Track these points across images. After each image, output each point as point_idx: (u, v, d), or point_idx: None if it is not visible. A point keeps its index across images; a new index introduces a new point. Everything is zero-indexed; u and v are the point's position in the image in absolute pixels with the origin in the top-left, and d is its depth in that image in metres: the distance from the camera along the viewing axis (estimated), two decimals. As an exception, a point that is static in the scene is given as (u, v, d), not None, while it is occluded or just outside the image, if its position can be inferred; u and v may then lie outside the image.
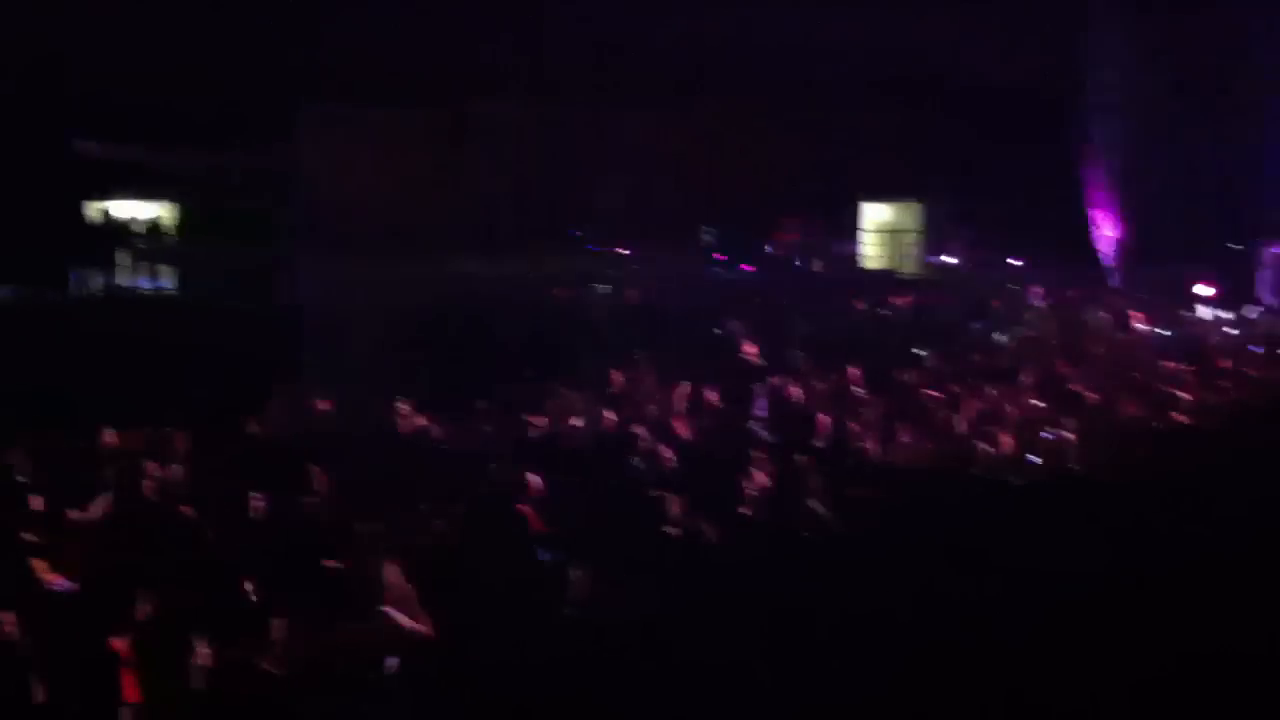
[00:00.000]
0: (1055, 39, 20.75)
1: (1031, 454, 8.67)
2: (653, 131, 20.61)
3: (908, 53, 20.29)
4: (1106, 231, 21.35)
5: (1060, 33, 20.82)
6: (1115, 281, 20.73)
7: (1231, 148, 20.22)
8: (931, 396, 10.78)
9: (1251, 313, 18.37)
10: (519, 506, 7.11)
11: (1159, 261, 20.08)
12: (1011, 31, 20.58)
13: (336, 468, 7.53)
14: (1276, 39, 19.56)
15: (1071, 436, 9.05)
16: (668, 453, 8.38)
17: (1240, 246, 20.56)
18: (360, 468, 7.84)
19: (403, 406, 9.59)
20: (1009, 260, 21.42)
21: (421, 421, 9.42)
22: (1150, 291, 19.06)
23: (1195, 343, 15.06)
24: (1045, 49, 20.78)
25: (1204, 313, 18.30)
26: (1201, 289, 19.43)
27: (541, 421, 9.43)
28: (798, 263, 22.13)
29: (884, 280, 21.06)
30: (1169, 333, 15.94)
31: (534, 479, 7.46)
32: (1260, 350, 14.24)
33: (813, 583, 5.81)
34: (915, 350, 13.62)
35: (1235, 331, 16.79)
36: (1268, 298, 19.57)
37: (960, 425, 9.62)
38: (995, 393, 10.88)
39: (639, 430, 8.95)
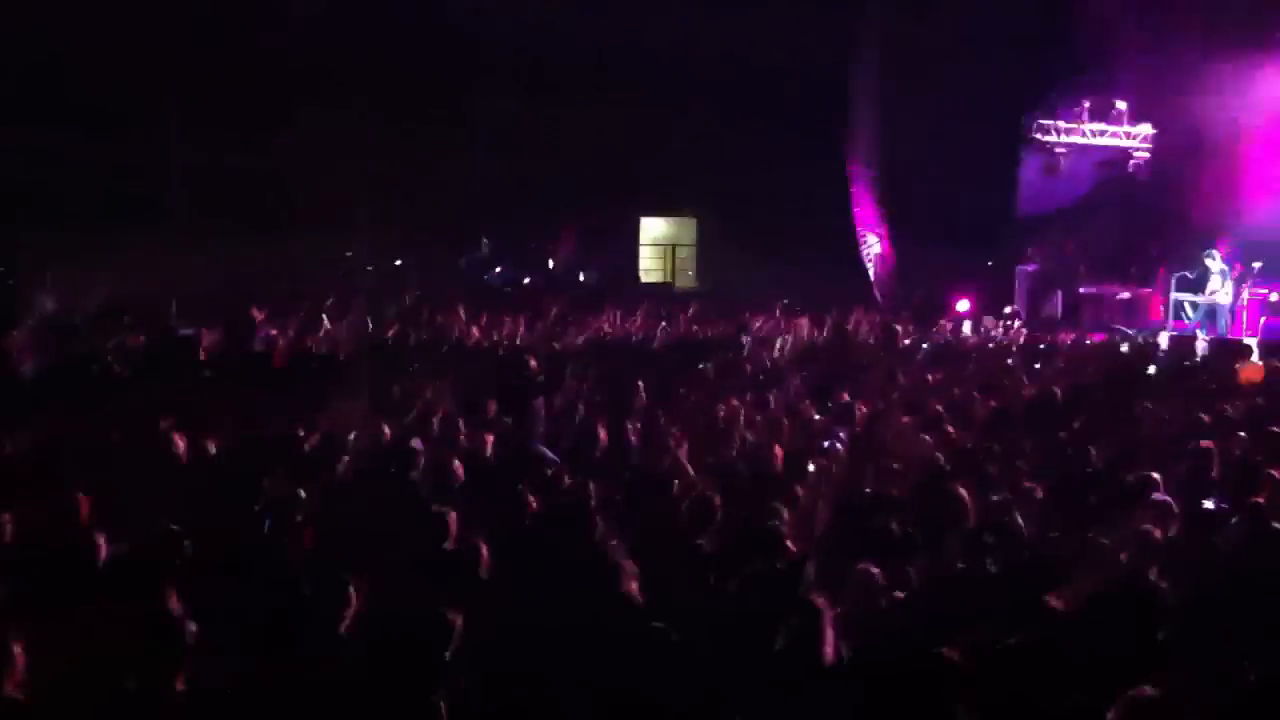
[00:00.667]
0: (825, 59, 21.42)
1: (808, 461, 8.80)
2: (431, 139, 20.31)
3: (689, 67, 20.59)
4: (873, 248, 22.14)
5: (830, 54, 21.51)
6: (881, 295, 21.50)
7: (988, 171, 21.31)
8: (709, 407, 10.91)
9: (1000, 324, 19.43)
10: (290, 523, 6.80)
11: (921, 277, 21.00)
12: (786, 50, 21.10)
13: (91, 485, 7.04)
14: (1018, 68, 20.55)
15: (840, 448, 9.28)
16: (450, 466, 8.18)
17: (992, 263, 21.70)
18: (117, 485, 7.35)
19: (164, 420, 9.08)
20: (782, 273, 21.96)
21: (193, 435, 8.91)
22: (913, 306, 19.88)
23: (954, 353, 15.70)
24: (816, 68, 21.41)
25: (965, 326, 19.18)
26: (962, 304, 20.38)
27: (315, 435, 9.07)
28: (581, 275, 22.22)
29: (660, 293, 21.28)
30: (926, 344, 16.57)
31: (302, 494, 7.15)
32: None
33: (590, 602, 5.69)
34: (695, 362, 13.76)
35: (990, 344, 17.64)
36: (1022, 311, 20.68)
37: (738, 435, 9.75)
38: (771, 402, 11.09)
39: (418, 444, 8.72)
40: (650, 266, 23.59)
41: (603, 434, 9.58)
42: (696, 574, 6.43)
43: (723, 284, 21.94)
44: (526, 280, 21.99)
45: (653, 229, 23.97)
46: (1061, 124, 22.15)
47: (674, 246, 23.61)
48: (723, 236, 22.57)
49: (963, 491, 7.17)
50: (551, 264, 22.86)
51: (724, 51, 20.55)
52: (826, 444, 9.14)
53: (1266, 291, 19.27)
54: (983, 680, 4.84)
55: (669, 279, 23.24)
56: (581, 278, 22.32)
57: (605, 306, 18.63)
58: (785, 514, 7.10)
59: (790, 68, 20.77)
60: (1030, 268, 21.58)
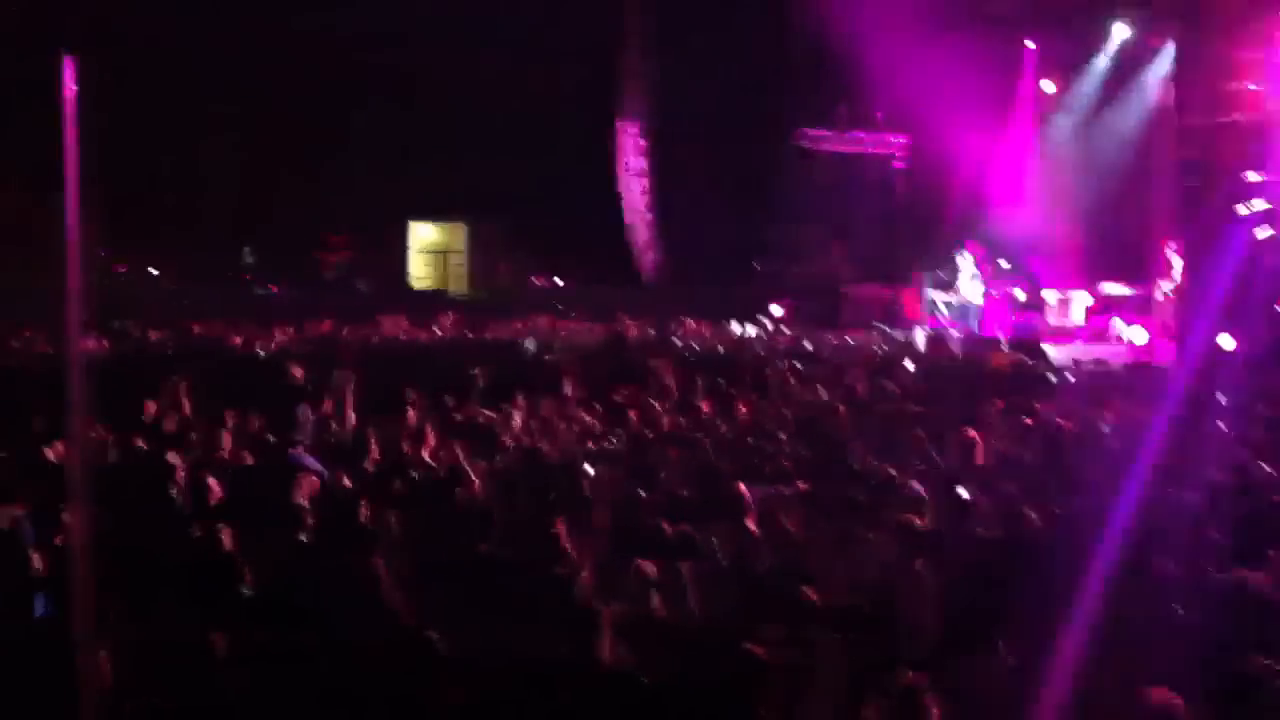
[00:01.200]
0: (599, 64, 21.56)
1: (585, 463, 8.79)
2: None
3: (460, 74, 20.40)
4: (647, 253, 22.35)
5: (603, 58, 21.67)
6: (657, 299, 21.70)
7: (755, 176, 21.82)
8: (484, 413, 10.81)
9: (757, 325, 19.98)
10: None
11: (695, 280, 21.35)
12: (558, 56, 21.16)
13: None
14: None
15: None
16: (210, 482, 7.83)
17: (760, 267, 22.23)
18: None
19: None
20: (556, 280, 22.00)
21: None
22: (689, 308, 20.17)
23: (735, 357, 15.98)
24: (591, 75, 21.54)
25: (736, 327, 19.55)
26: (775, 308, 20.79)
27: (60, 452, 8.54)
28: (358, 284, 21.76)
29: (431, 300, 21.01)
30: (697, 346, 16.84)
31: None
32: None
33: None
34: (468, 370, 13.60)
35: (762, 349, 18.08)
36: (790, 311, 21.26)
37: (514, 440, 9.69)
38: (545, 408, 11.06)
39: (175, 459, 8.33)
40: (422, 274, 23.25)
41: (374, 442, 9.41)
42: (477, 580, 6.33)
43: (496, 290, 21.82)
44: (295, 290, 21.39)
45: (425, 236, 23.63)
46: (826, 132, 22.84)
47: (446, 253, 23.32)
48: (495, 242, 22.43)
49: (743, 488, 7.26)
50: (324, 273, 22.33)
51: (494, 62, 20.51)
52: (604, 445, 9.13)
53: (1013, 290, 20.29)
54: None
55: (442, 285, 22.95)
56: (355, 286, 21.87)
57: (377, 314, 18.32)
58: (562, 519, 7.07)
59: (561, 77, 20.90)
60: (799, 270, 22.17)
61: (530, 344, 16.08)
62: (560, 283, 21.94)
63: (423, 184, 21.12)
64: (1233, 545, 6.39)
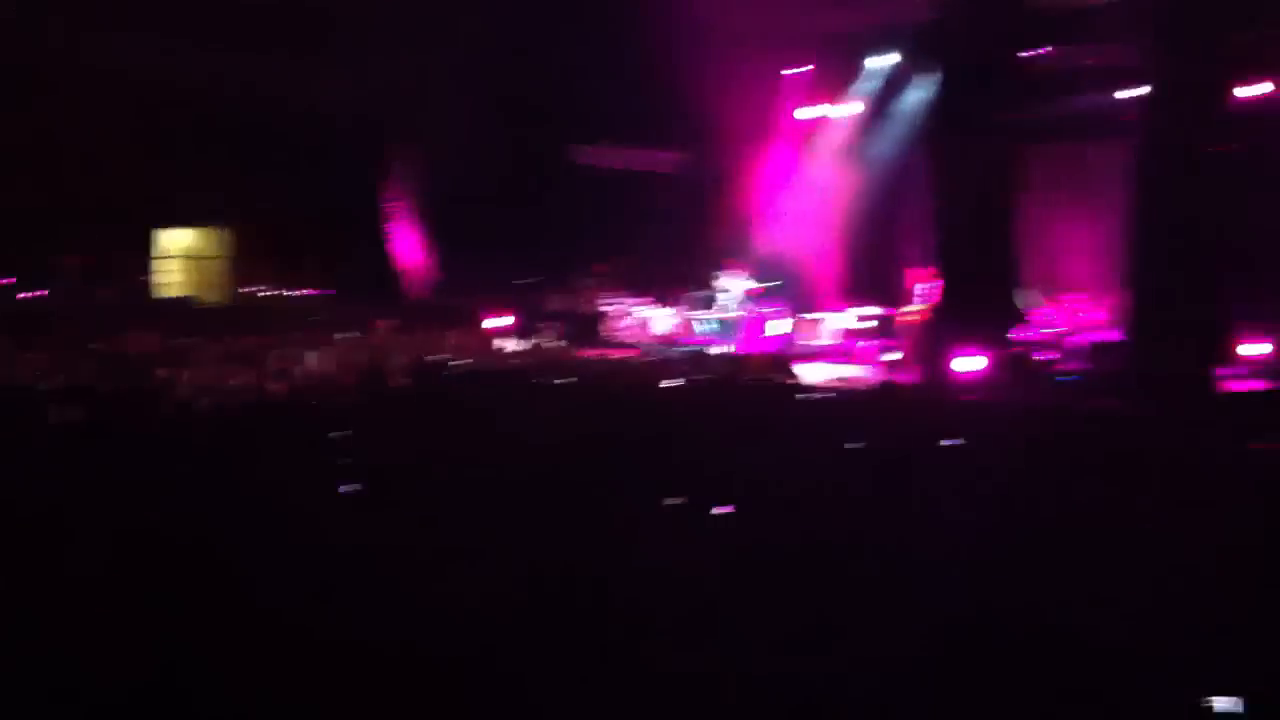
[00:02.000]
0: (369, 72, 21.05)
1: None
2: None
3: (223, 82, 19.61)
4: (411, 263, 21.91)
5: (375, 66, 21.16)
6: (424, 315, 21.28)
7: (532, 191, 21.70)
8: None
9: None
10: None
11: (458, 292, 21.04)
12: (324, 61, 20.58)
13: None
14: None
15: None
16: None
17: (530, 281, 22.07)
18: None
19: None
20: (318, 290, 21.38)
21: None
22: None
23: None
24: (358, 81, 21.00)
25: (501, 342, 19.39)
26: (503, 320, 20.58)
27: None
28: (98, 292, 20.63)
29: (180, 307, 20.11)
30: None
31: None
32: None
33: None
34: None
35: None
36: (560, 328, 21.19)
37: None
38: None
39: None
40: (172, 281, 22.20)
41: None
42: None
43: (251, 299, 21.02)
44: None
45: (178, 242, 22.60)
46: (603, 149, 22.88)
47: (199, 259, 22.35)
48: (253, 249, 21.60)
49: None
50: (66, 281, 21.07)
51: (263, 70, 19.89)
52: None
53: (774, 309, 20.72)
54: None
55: (193, 294, 21.97)
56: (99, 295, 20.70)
57: (126, 324, 17.39)
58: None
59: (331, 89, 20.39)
60: (572, 286, 22.07)
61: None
62: (320, 294, 21.28)
63: (176, 190, 20.17)
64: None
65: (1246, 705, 4.34)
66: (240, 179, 20.12)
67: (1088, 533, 6.72)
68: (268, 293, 22.29)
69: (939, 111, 16.16)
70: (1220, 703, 4.38)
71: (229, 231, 22.24)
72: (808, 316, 20.72)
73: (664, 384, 14.38)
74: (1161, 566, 5.91)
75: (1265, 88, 17.08)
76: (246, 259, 22.15)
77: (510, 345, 19.64)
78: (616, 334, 20.90)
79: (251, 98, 20.02)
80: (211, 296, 21.82)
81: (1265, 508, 7.51)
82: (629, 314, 21.65)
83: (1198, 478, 8.46)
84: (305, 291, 21.92)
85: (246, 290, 22.19)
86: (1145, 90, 15.53)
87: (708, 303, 20.72)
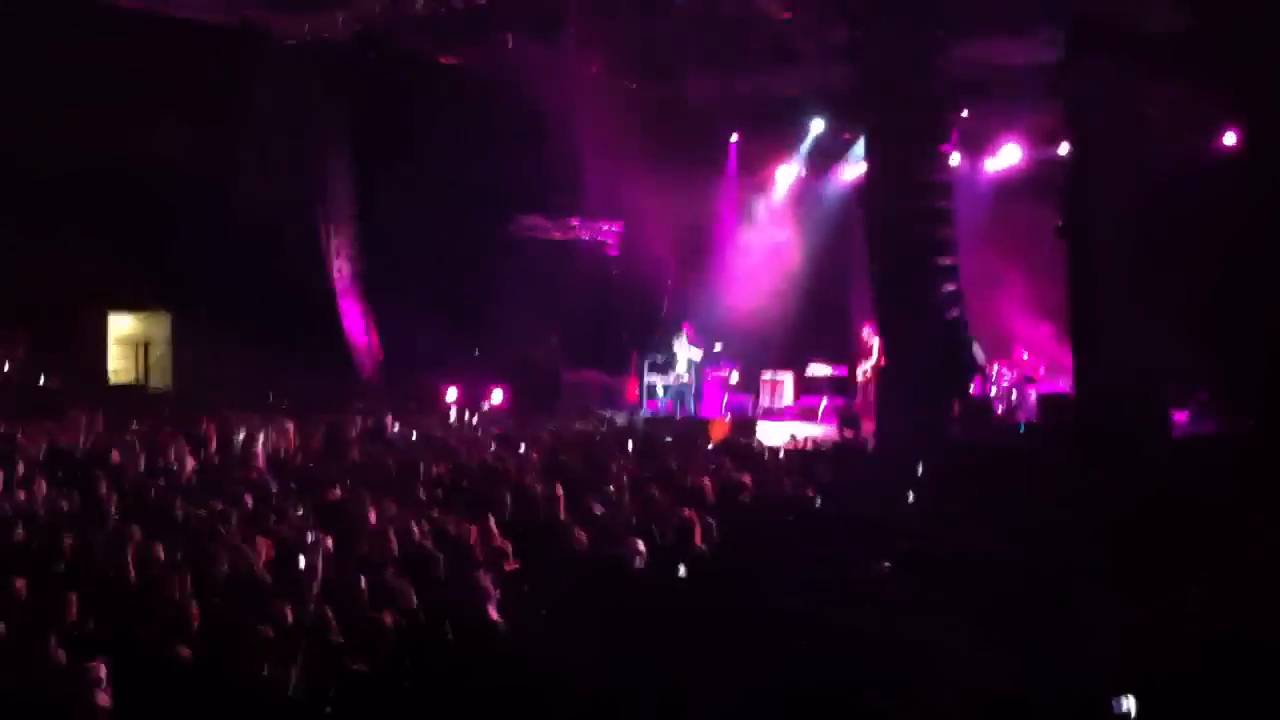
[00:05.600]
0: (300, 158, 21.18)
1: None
2: None
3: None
4: (360, 340, 21.84)
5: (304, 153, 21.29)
6: (371, 389, 21.22)
7: (474, 263, 21.81)
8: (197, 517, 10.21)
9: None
10: None
11: (410, 369, 21.01)
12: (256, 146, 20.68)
13: None
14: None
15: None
16: None
17: (478, 355, 22.09)
18: None
19: None
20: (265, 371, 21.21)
21: None
22: (406, 398, 19.82)
23: (441, 443, 15.76)
24: (290, 167, 21.10)
25: (453, 414, 19.34)
26: (451, 393, 20.55)
27: None
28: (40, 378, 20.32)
29: (127, 395, 19.90)
30: (414, 436, 16.55)
31: None
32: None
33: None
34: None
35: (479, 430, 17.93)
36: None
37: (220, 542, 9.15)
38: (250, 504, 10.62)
39: None
40: (119, 366, 21.94)
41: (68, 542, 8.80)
42: (175, 685, 5.94)
43: (201, 383, 20.79)
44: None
45: (123, 327, 22.36)
46: (541, 220, 23.04)
47: (146, 344, 22.09)
48: (199, 333, 21.41)
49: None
50: (6, 367, 20.73)
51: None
52: (310, 538, 8.78)
53: (727, 372, 20.94)
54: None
55: (140, 379, 21.72)
56: (41, 381, 20.38)
57: (68, 410, 17.11)
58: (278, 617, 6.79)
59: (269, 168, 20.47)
60: (517, 358, 22.07)
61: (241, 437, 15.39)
62: (272, 375, 21.10)
63: (121, 272, 19.98)
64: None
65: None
66: (184, 263, 20.04)
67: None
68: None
69: (872, 172, 16.47)
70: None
71: (177, 315, 22.04)
72: (765, 377, 20.97)
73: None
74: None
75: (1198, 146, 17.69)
76: (194, 343, 21.93)
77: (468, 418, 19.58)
78: (576, 402, 20.96)
79: (193, 183, 20.03)
80: (159, 381, 21.61)
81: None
82: (586, 381, 21.74)
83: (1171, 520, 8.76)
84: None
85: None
86: (1068, 150, 16.04)
87: (664, 367, 20.90)
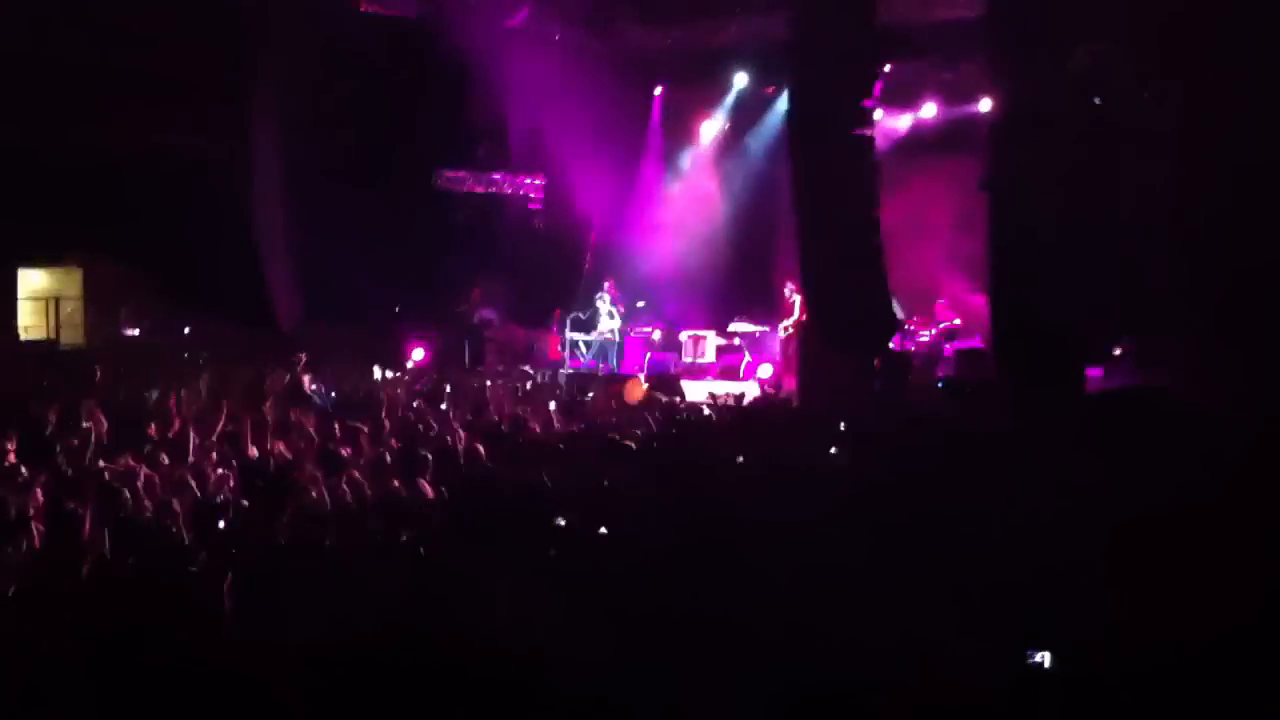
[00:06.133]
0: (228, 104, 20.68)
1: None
2: None
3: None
4: (284, 296, 21.43)
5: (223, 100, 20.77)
6: (291, 344, 20.87)
7: (400, 221, 21.53)
8: (108, 470, 9.99)
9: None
10: None
11: (332, 324, 20.69)
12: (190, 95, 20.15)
13: None
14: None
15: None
16: None
17: (400, 310, 21.83)
18: None
19: None
20: (185, 327, 20.86)
21: None
22: (328, 353, 19.56)
23: (367, 399, 15.58)
24: (219, 114, 20.60)
25: (377, 372, 19.16)
26: (418, 353, 20.35)
27: None
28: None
29: (42, 352, 19.44)
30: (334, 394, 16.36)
31: None
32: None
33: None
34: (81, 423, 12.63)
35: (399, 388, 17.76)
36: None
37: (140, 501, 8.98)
38: (167, 461, 10.40)
39: None
40: (30, 323, 21.39)
41: None
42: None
43: (115, 339, 20.39)
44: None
45: (33, 282, 21.80)
46: (465, 174, 22.80)
47: (57, 300, 21.55)
48: (113, 289, 20.96)
49: None
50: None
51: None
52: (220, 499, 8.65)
53: (649, 329, 20.93)
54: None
55: (51, 336, 21.20)
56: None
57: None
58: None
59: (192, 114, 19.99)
60: (440, 313, 21.87)
61: (154, 392, 15.10)
62: (195, 330, 20.73)
63: (31, 227, 19.45)
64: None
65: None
66: (97, 217, 19.54)
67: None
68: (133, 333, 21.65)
69: (796, 126, 16.49)
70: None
71: (89, 269, 21.54)
72: (687, 334, 20.98)
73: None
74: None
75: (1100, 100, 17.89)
76: (105, 299, 21.47)
77: (376, 372, 19.41)
78: (499, 358, 20.85)
79: (108, 135, 19.51)
80: (71, 338, 21.13)
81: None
82: (509, 337, 21.63)
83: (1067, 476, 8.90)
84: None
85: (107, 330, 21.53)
86: (991, 104, 16.15)
87: (588, 324, 20.82)
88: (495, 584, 5.70)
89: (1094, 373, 16.27)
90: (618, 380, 17.97)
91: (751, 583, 6.16)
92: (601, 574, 6.48)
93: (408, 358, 20.35)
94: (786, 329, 19.00)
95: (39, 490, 8.84)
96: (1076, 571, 6.06)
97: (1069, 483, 8.43)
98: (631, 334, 20.87)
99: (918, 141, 20.58)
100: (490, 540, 6.90)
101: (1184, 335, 14.35)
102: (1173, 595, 5.52)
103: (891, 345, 16.74)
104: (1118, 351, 17.16)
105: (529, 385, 17.73)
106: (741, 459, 10.40)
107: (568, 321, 21.00)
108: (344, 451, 10.87)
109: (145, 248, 19.72)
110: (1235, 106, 14.22)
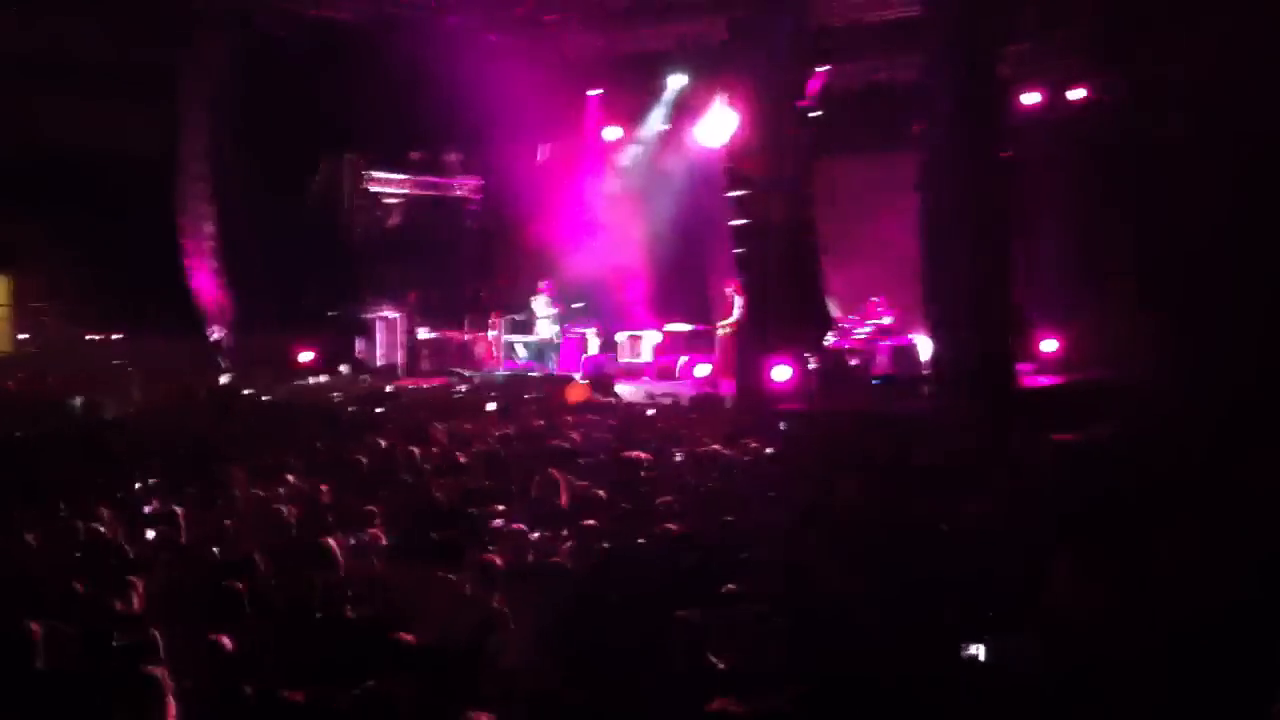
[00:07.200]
0: (155, 106, 20.32)
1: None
2: None
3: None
4: (209, 300, 21.09)
5: (159, 102, 20.43)
6: (223, 350, 20.61)
7: (324, 222, 21.31)
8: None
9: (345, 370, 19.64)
10: None
11: (263, 329, 20.41)
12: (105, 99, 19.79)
13: None
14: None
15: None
16: None
17: (336, 313, 21.59)
18: None
19: None
20: (113, 336, 20.55)
21: None
22: (257, 359, 19.35)
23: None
24: (145, 117, 20.25)
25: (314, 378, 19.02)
26: (305, 355, 20.13)
27: None
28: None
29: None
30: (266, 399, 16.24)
31: None
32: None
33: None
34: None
35: (335, 392, 17.64)
36: (375, 357, 20.87)
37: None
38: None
39: None
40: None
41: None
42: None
43: (48, 347, 20.03)
44: None
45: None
46: (396, 175, 22.61)
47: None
48: (40, 297, 20.58)
49: (331, 542, 7.14)
50: None
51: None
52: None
53: (585, 331, 20.87)
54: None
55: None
56: None
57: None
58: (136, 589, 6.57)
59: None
60: (376, 316, 21.63)
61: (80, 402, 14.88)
62: (120, 340, 20.39)
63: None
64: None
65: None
66: (24, 224, 19.17)
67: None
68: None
69: (735, 129, 16.60)
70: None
71: (16, 277, 21.13)
72: (624, 334, 20.94)
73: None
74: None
75: (1037, 97, 18.16)
76: (33, 306, 21.07)
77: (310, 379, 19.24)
78: (435, 361, 20.72)
79: (33, 140, 19.15)
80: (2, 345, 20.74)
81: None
82: (444, 341, 21.49)
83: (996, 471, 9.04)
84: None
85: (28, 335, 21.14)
86: (931, 102, 16.27)
87: (523, 326, 20.75)
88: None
89: (1024, 368, 16.45)
90: (556, 382, 17.92)
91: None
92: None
93: (294, 360, 20.05)
94: (724, 328, 19.02)
95: None
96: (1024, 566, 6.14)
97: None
98: (569, 335, 20.82)
99: (853, 140, 20.61)
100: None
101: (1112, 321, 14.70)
102: (1127, 586, 5.61)
103: (825, 344, 16.83)
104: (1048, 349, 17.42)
105: (463, 389, 17.68)
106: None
107: (504, 324, 20.90)
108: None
109: (73, 257, 19.40)
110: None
